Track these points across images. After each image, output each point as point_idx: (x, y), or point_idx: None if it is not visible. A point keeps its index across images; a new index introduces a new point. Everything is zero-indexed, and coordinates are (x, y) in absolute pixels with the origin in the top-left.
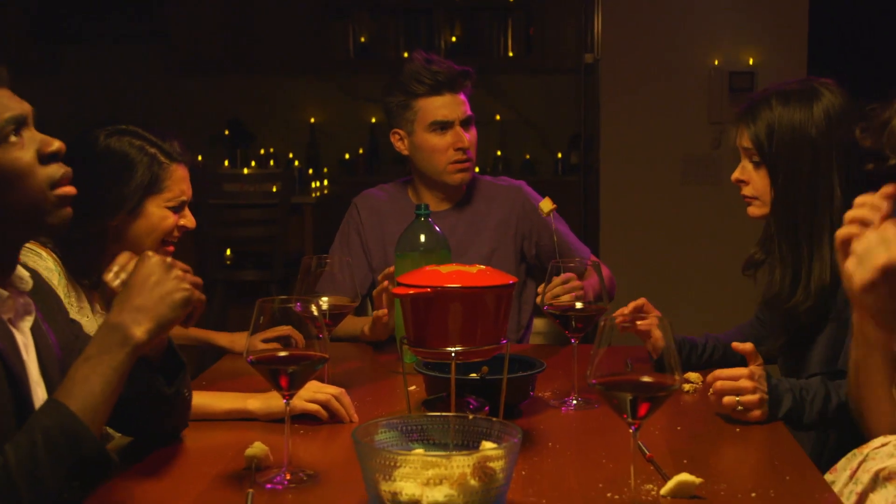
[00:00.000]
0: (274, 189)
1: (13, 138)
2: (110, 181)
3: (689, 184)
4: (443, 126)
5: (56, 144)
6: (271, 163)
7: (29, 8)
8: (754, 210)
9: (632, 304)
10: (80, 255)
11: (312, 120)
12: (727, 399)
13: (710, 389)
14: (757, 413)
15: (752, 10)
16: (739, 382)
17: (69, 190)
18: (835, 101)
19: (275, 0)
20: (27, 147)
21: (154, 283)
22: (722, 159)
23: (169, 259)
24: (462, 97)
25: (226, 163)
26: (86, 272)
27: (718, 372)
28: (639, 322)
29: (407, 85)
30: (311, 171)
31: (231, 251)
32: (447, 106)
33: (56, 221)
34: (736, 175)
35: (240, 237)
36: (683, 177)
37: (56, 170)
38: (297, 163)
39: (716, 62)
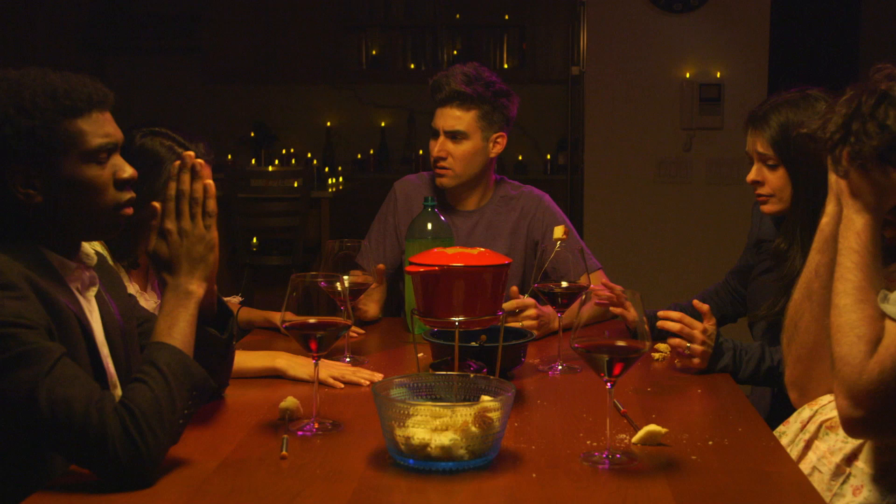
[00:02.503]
0: (295, 184)
1: (101, 161)
2: (143, 176)
3: (663, 183)
4: (434, 133)
5: (129, 172)
6: (292, 161)
7: (80, 22)
8: (770, 207)
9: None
10: (121, 240)
11: (329, 123)
12: (675, 341)
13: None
14: (696, 361)
15: (720, 28)
16: (693, 332)
17: (129, 211)
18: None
19: (295, 17)
20: (107, 169)
21: (187, 251)
22: (692, 161)
23: (186, 226)
24: (466, 112)
25: (252, 161)
26: (126, 254)
27: (682, 316)
28: (612, 308)
29: (430, 93)
30: (327, 168)
31: (257, 239)
32: (440, 116)
33: (108, 234)
34: (751, 177)
35: (265, 227)
36: (658, 176)
37: (123, 195)
38: (315, 161)
39: (687, 75)
